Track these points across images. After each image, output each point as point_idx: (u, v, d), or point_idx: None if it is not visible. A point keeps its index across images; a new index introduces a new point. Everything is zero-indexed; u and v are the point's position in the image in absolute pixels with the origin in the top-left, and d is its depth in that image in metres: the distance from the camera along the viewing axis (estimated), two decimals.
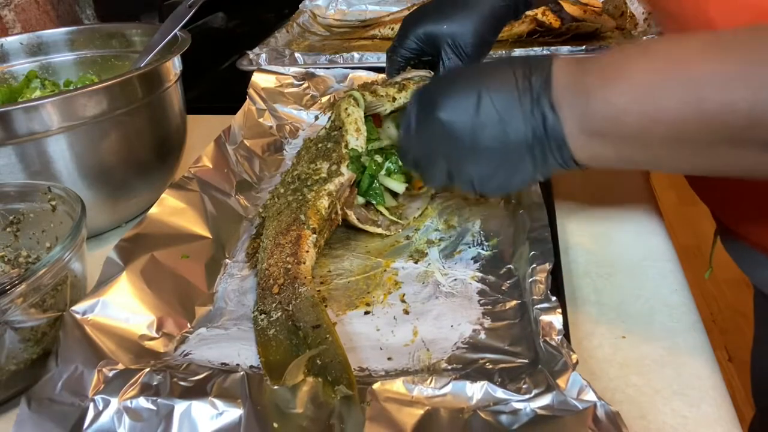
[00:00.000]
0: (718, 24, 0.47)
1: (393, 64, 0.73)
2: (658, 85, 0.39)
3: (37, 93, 0.75)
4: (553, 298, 0.46)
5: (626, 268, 0.57)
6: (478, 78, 0.47)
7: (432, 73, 0.71)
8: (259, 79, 0.88)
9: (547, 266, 0.50)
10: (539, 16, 1.09)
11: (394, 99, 0.69)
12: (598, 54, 0.43)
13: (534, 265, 0.50)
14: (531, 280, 0.49)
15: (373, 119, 0.69)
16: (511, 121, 0.44)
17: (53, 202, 0.55)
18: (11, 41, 0.79)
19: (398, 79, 0.72)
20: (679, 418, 0.43)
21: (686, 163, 0.43)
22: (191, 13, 0.73)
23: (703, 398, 0.44)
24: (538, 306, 0.46)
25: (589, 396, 0.39)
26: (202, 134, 0.82)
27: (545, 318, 0.45)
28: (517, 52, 1.00)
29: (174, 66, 0.70)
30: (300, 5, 1.35)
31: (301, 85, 0.91)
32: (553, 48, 0.99)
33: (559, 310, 0.45)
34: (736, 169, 0.42)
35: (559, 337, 0.43)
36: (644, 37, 0.98)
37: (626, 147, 0.42)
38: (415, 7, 0.73)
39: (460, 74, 0.51)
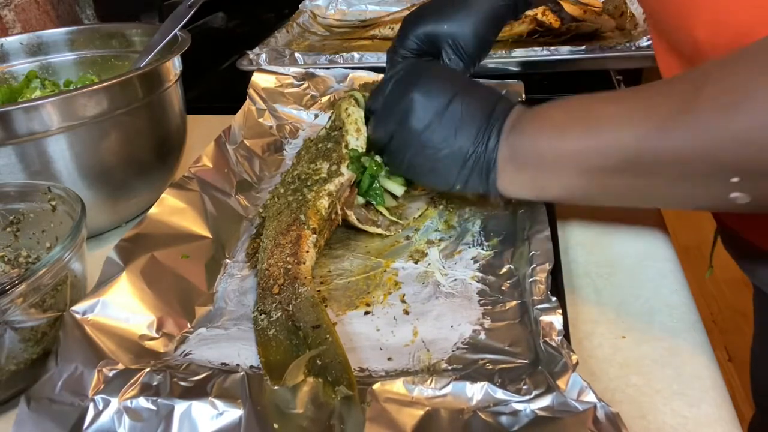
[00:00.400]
0: (702, 44, 0.48)
1: (393, 64, 0.73)
2: (567, 123, 0.47)
3: (37, 93, 0.75)
4: (553, 299, 0.46)
5: (626, 268, 0.57)
6: (464, 86, 0.55)
7: None
8: (259, 79, 0.88)
9: (547, 266, 0.50)
10: (539, 16, 1.09)
11: None
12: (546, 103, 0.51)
13: (534, 265, 0.50)
14: (531, 280, 0.49)
15: None
16: (464, 131, 0.52)
17: (53, 202, 0.55)
18: (11, 41, 0.79)
19: None
20: (679, 418, 0.43)
21: (599, 195, 0.48)
22: (191, 13, 0.73)
23: (703, 398, 0.44)
24: (538, 306, 0.46)
25: (589, 397, 0.38)
26: (202, 134, 0.82)
27: (545, 318, 0.45)
28: (517, 52, 1.00)
29: (174, 66, 0.70)
30: (300, 5, 1.35)
31: (301, 85, 0.90)
32: (553, 48, 0.99)
33: (560, 311, 0.45)
34: (651, 201, 0.48)
35: (559, 337, 0.43)
36: (645, 38, 0.98)
37: (542, 177, 0.49)
38: (415, 7, 0.73)
39: (452, 74, 0.59)
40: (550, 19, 1.09)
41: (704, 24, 0.48)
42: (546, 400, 0.39)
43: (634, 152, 0.42)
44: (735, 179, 0.38)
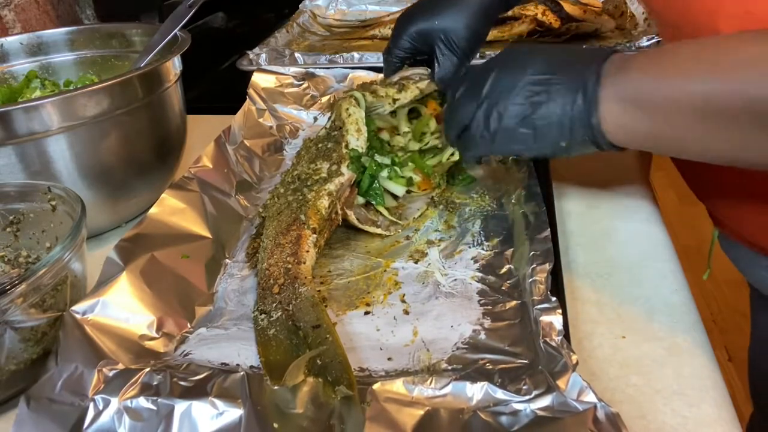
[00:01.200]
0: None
1: (389, 65, 0.74)
2: (692, 63, 0.43)
3: (37, 93, 0.75)
4: (553, 299, 0.46)
5: (626, 268, 0.57)
6: (546, 47, 0.54)
7: (429, 70, 0.72)
8: (259, 79, 0.88)
9: (547, 266, 0.50)
10: (539, 16, 1.09)
11: (394, 100, 0.69)
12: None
13: (534, 265, 0.50)
14: (531, 280, 0.49)
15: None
16: (560, 82, 0.49)
17: (53, 202, 0.55)
18: (11, 41, 0.79)
19: (396, 78, 0.72)
20: (679, 418, 0.43)
21: (712, 142, 0.44)
22: (191, 13, 0.73)
23: (703, 398, 0.44)
24: (539, 306, 0.46)
25: (589, 397, 0.38)
26: (202, 134, 0.82)
27: (545, 318, 0.45)
28: None
29: (174, 66, 0.70)
30: (300, 5, 1.35)
31: (301, 85, 0.90)
32: None
33: (560, 311, 0.45)
34: (759, 155, 0.43)
35: (559, 337, 0.43)
36: (645, 38, 0.98)
37: (656, 117, 0.44)
38: (406, 7, 0.74)
39: (529, 46, 0.56)
40: (550, 19, 1.09)
41: (729, 17, 0.47)
42: (546, 400, 0.39)
43: (760, 99, 0.39)
44: None
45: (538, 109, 0.50)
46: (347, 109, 0.66)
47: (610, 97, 0.47)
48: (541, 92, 0.49)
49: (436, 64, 0.70)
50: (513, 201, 0.63)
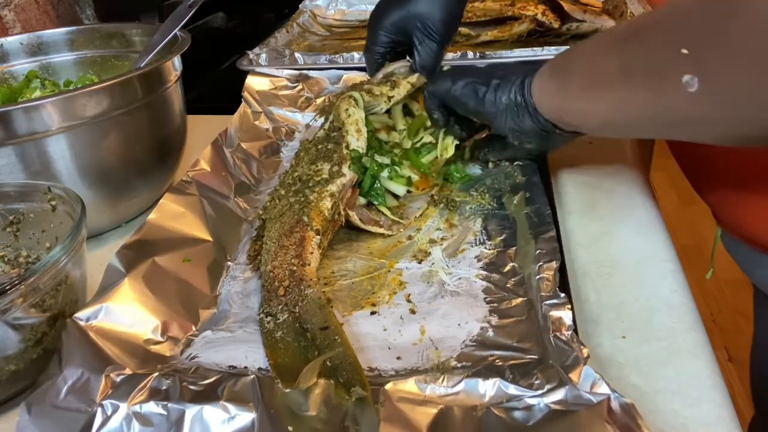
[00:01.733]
0: None
1: (371, 63, 0.74)
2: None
3: (37, 93, 0.74)
4: (562, 295, 0.46)
5: (626, 268, 0.57)
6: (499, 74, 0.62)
7: (410, 60, 0.72)
8: (253, 82, 0.88)
9: (554, 264, 0.50)
10: (539, 16, 1.09)
11: (389, 98, 0.69)
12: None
13: (541, 263, 0.50)
14: (538, 277, 0.49)
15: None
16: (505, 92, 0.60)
17: (53, 202, 0.55)
18: (11, 41, 0.79)
19: (380, 75, 0.72)
20: (679, 418, 0.43)
21: (595, 102, 0.52)
22: (191, 13, 0.73)
23: (703, 398, 0.44)
24: (547, 302, 0.46)
25: (603, 389, 0.39)
26: (202, 134, 0.82)
27: (555, 314, 0.45)
28: (517, 52, 1.00)
29: (174, 66, 0.70)
30: (300, 5, 1.35)
31: (295, 87, 0.91)
32: (553, 48, 0.99)
33: (569, 306, 0.45)
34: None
35: (569, 332, 0.43)
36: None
37: (564, 79, 0.55)
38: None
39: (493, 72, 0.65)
40: (550, 19, 1.09)
41: None
42: (559, 394, 0.39)
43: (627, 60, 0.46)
44: (684, 50, 0.39)
45: (498, 76, 0.60)
46: (347, 109, 0.66)
47: (541, 71, 0.57)
48: (503, 79, 0.60)
49: (415, 54, 0.70)
50: (515, 201, 0.63)
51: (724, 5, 0.37)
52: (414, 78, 0.72)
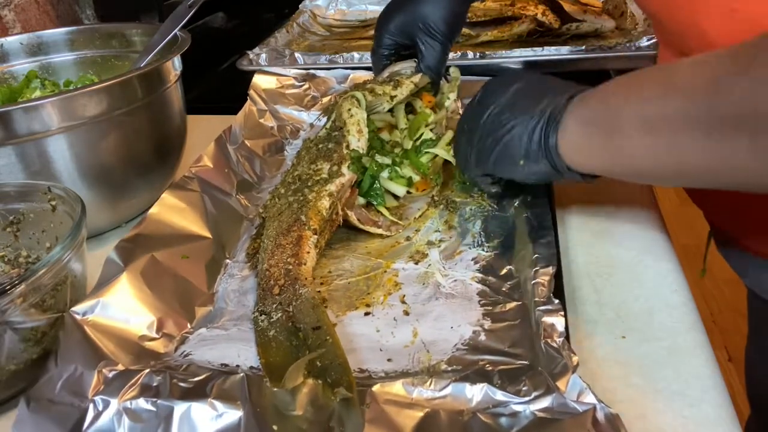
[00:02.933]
0: (711, 36, 0.48)
1: (377, 65, 0.75)
2: (642, 87, 0.45)
3: (37, 93, 0.75)
4: (556, 301, 0.46)
5: (626, 268, 0.57)
6: (527, 75, 0.58)
7: (415, 61, 0.73)
8: (260, 81, 0.88)
9: (551, 270, 0.49)
10: (539, 16, 1.09)
11: (392, 97, 0.69)
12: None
13: (537, 268, 0.50)
14: (534, 282, 0.49)
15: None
16: (527, 105, 0.53)
17: (53, 202, 0.55)
18: (11, 41, 0.79)
19: (386, 75, 0.73)
20: (679, 418, 0.43)
21: (667, 158, 0.44)
22: (191, 13, 0.73)
23: (703, 398, 0.44)
24: (541, 308, 0.46)
25: (589, 398, 0.38)
26: (202, 134, 0.82)
27: (547, 320, 0.44)
28: (517, 52, 1.00)
29: (174, 66, 0.70)
30: (300, 5, 1.35)
31: (302, 86, 0.91)
32: (553, 48, 0.99)
33: (562, 313, 0.45)
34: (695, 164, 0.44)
35: (561, 339, 0.43)
36: (645, 38, 0.98)
37: (611, 135, 0.47)
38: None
39: (517, 71, 0.62)
40: (550, 19, 1.09)
41: (715, 15, 0.47)
42: (545, 402, 0.39)
43: (700, 110, 0.40)
44: None
45: (509, 128, 0.53)
46: (349, 109, 0.66)
47: (570, 123, 0.49)
48: (510, 120, 0.53)
49: (420, 55, 0.70)
50: (516, 204, 0.63)
51: None
52: (417, 78, 0.72)
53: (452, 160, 0.69)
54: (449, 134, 0.72)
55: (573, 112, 0.49)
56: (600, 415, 0.38)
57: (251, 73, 0.90)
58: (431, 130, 0.72)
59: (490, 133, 0.54)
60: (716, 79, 0.39)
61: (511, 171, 0.55)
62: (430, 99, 0.74)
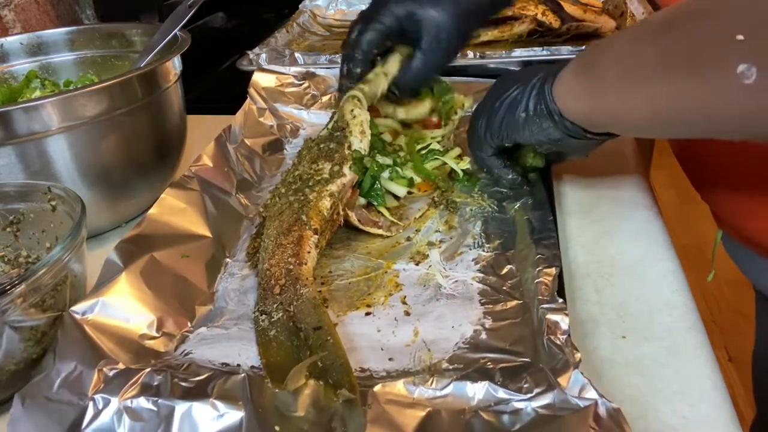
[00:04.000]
0: None
1: (353, 69, 0.69)
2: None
3: (37, 93, 0.75)
4: (560, 300, 0.46)
5: (626, 268, 0.57)
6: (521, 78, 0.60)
7: (410, 48, 0.67)
8: (260, 79, 0.88)
9: (554, 270, 0.50)
10: (539, 16, 1.09)
11: (385, 75, 0.68)
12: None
13: (540, 268, 0.50)
14: (537, 281, 0.49)
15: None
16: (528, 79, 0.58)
17: (53, 202, 0.55)
18: (11, 41, 0.79)
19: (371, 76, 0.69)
20: (679, 418, 0.43)
21: (642, 95, 0.47)
22: (191, 13, 0.73)
23: (703, 398, 0.44)
24: (544, 306, 0.46)
25: (590, 394, 0.38)
26: (202, 134, 0.82)
27: (551, 317, 0.44)
28: (517, 52, 1.00)
29: (174, 66, 0.70)
30: (300, 5, 1.35)
31: (301, 84, 0.90)
32: (553, 48, 0.99)
33: (566, 312, 0.45)
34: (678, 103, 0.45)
35: (564, 336, 0.43)
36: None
37: (596, 75, 0.51)
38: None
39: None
40: (550, 19, 1.09)
41: None
42: (547, 398, 0.39)
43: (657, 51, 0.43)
44: (740, 36, 0.35)
45: (512, 91, 0.59)
46: (352, 110, 0.66)
47: (565, 72, 0.54)
48: (515, 84, 0.59)
49: (419, 55, 0.65)
50: (517, 206, 0.63)
51: None
52: (405, 49, 0.68)
53: (458, 170, 0.70)
54: (457, 150, 0.72)
55: (569, 64, 0.54)
56: (602, 410, 0.37)
57: (251, 73, 0.90)
58: (438, 142, 0.72)
59: (498, 99, 0.59)
60: (668, 20, 0.42)
61: (516, 128, 0.58)
62: (433, 104, 0.74)
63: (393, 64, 0.69)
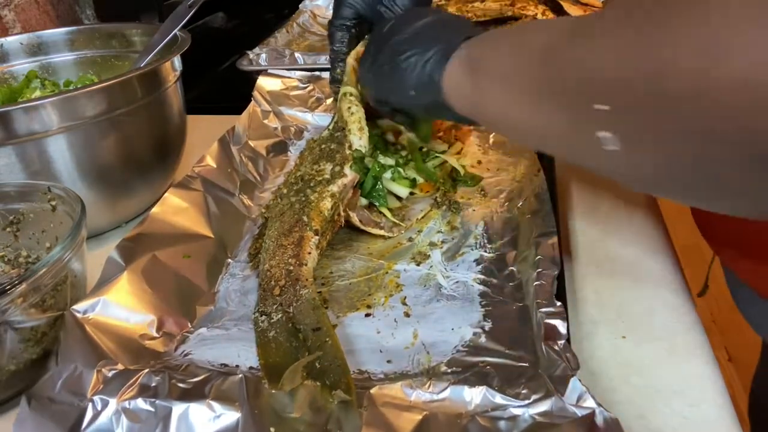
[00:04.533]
0: None
1: (335, 37, 0.70)
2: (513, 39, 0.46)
3: (37, 93, 0.75)
4: (558, 303, 0.46)
5: (626, 269, 0.57)
6: (437, 12, 0.57)
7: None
8: (265, 83, 0.88)
9: (553, 272, 0.49)
10: (539, 16, 1.09)
11: (357, 53, 0.67)
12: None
13: (540, 269, 0.50)
14: (536, 283, 0.49)
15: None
16: (429, 40, 0.54)
17: (53, 202, 0.55)
18: (11, 41, 0.79)
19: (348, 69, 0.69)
20: (679, 418, 0.43)
21: (516, 111, 0.45)
22: (191, 13, 0.73)
23: (703, 398, 0.44)
24: (543, 309, 0.46)
25: (588, 402, 0.38)
26: (202, 134, 0.82)
27: (549, 321, 0.44)
28: None
29: (174, 66, 0.70)
30: (300, 5, 1.35)
31: (306, 87, 0.91)
32: None
33: (564, 316, 0.45)
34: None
35: (562, 341, 0.43)
36: None
37: (480, 78, 0.48)
38: None
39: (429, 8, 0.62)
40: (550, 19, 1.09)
41: None
42: (545, 405, 0.39)
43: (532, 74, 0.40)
44: (600, 107, 0.32)
45: (406, 56, 0.54)
46: (349, 107, 0.66)
47: (455, 61, 0.51)
48: (409, 50, 0.54)
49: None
50: (519, 205, 0.63)
51: (656, 63, 0.28)
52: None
53: (461, 168, 0.70)
54: (458, 145, 0.72)
55: (459, 52, 0.51)
56: (599, 420, 0.37)
57: (251, 73, 0.90)
58: (439, 137, 0.72)
59: (390, 60, 0.55)
60: (549, 46, 0.38)
61: (403, 99, 0.56)
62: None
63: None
